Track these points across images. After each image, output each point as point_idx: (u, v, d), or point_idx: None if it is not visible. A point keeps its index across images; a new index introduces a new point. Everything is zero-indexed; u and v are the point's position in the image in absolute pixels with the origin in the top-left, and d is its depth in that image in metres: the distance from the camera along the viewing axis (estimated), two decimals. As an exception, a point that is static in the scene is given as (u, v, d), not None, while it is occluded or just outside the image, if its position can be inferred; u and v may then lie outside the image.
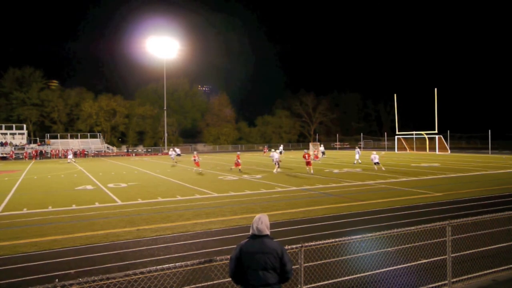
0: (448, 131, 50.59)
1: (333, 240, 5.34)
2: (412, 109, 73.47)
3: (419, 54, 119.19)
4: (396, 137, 56.82)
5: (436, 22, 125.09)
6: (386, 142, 63.94)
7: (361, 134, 73.18)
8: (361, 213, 12.21)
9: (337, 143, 76.70)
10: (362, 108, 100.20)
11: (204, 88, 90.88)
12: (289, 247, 5.03)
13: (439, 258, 7.46)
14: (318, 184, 19.37)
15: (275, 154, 27.12)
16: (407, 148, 55.25)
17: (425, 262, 7.42)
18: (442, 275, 6.42)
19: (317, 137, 79.99)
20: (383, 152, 29.33)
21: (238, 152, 30.10)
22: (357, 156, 31.30)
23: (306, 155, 26.09)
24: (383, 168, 26.81)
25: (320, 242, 5.38)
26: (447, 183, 19.49)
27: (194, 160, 27.85)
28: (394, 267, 7.17)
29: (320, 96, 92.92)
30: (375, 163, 26.99)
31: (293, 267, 4.21)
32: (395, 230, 6.02)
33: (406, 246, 8.05)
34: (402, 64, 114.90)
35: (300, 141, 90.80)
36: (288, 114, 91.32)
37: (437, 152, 49.25)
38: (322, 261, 7.26)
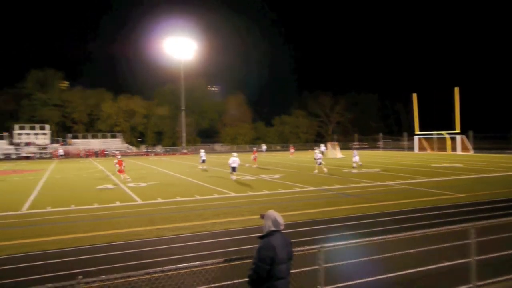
0: (471, 131, 49.43)
1: (353, 241, 5.28)
2: (432, 109, 71.91)
3: (440, 52, 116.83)
4: (415, 137, 55.85)
5: (456, 19, 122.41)
6: (406, 142, 62.94)
7: (380, 134, 72.18)
8: (380, 214, 12.04)
9: (355, 143, 75.88)
10: (380, 108, 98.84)
11: (220, 88, 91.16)
12: (308, 247, 5.01)
13: (462, 261, 7.27)
14: (336, 185, 19.21)
15: (235, 159, 22.51)
16: (427, 148, 54.25)
17: (448, 265, 7.26)
18: (466, 278, 6.26)
19: (335, 137, 79.35)
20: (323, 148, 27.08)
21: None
22: (355, 159, 29.14)
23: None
24: (325, 170, 25.29)
25: (340, 243, 5.32)
26: (470, 184, 19.04)
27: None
28: (416, 270, 7.04)
29: (338, 96, 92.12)
30: (318, 164, 25.41)
31: (313, 267, 4.22)
32: (416, 232, 5.91)
33: (428, 248, 7.89)
34: (422, 62, 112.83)
35: (317, 141, 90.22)
36: (305, 114, 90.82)
37: (459, 152, 48.21)
38: (342, 262, 7.18)
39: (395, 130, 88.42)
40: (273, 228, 4.22)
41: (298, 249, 4.83)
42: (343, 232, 9.86)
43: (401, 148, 63.81)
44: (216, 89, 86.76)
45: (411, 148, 57.50)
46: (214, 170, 29.18)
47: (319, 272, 4.85)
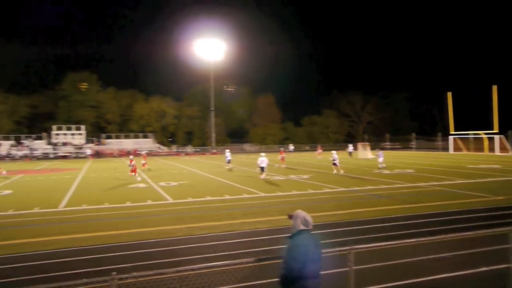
0: (511, 131, 47.26)
1: (384, 243, 5.18)
2: (468, 108, 69.34)
3: (476, 49, 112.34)
4: (450, 137, 54.03)
5: (492, 14, 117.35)
6: (441, 143, 61.03)
7: (413, 134, 70.32)
8: (413, 216, 11.73)
9: (387, 143, 74.23)
10: (413, 107, 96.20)
11: (248, 88, 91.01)
12: (339, 249, 4.95)
13: (501, 266, 6.98)
14: (367, 185, 18.87)
15: (263, 159, 23.12)
16: (463, 148, 52.39)
17: (485, 270, 6.98)
18: (505, 284, 6.01)
19: (365, 137, 77.94)
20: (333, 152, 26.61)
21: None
22: (381, 160, 28.19)
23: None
24: (341, 172, 24.99)
25: (371, 244, 5.23)
26: (509, 186, 18.23)
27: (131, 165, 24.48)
28: (451, 274, 6.81)
29: (368, 95, 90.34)
30: (333, 164, 25.37)
31: (343, 269, 4.19)
32: (451, 235, 5.73)
33: (464, 252, 7.63)
34: (457, 60, 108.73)
35: (347, 141, 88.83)
36: (335, 114, 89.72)
37: (497, 153, 46.26)
38: (372, 265, 7.05)
39: (428, 130, 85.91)
40: (302, 227, 4.23)
41: (328, 250, 4.78)
42: (374, 234, 9.67)
43: (435, 148, 61.96)
44: (232, 89, 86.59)
45: (445, 149, 55.73)
46: (243, 170, 29.36)
47: (349, 274, 4.78)
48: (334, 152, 26.40)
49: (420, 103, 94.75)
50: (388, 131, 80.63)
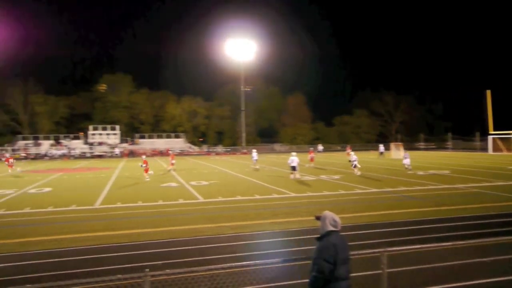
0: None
1: (418, 245, 5.03)
2: (509, 106, 66.34)
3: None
4: (489, 137, 51.82)
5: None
6: (479, 143, 58.69)
7: (449, 133, 67.95)
8: (448, 219, 11.33)
9: (421, 143, 72.13)
10: (449, 106, 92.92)
11: (278, 88, 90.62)
12: (371, 251, 4.85)
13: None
14: (400, 186, 18.41)
15: (294, 159, 23.03)
16: (503, 149, 50.11)
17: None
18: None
19: (398, 137, 76.08)
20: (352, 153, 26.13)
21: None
22: (406, 161, 26.45)
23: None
24: (358, 172, 24.65)
25: (404, 247, 5.10)
26: (553, 188, 17.29)
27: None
28: (489, 280, 6.54)
29: (402, 95, 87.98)
30: (354, 166, 24.99)
31: (374, 272, 4.12)
32: (490, 239, 5.50)
33: (503, 257, 7.30)
34: (496, 56, 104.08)
35: (379, 141, 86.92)
36: (367, 114, 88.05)
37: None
38: (405, 268, 6.87)
39: (465, 130, 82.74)
40: (331, 228, 4.21)
41: (360, 252, 4.71)
42: (408, 236, 9.42)
43: (472, 149, 59.70)
44: (249, 89, 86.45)
45: (484, 149, 53.55)
46: (273, 170, 29.36)
47: (382, 277, 4.69)
48: (352, 153, 26.28)
49: (456, 102, 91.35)
50: (422, 131, 78.33)
